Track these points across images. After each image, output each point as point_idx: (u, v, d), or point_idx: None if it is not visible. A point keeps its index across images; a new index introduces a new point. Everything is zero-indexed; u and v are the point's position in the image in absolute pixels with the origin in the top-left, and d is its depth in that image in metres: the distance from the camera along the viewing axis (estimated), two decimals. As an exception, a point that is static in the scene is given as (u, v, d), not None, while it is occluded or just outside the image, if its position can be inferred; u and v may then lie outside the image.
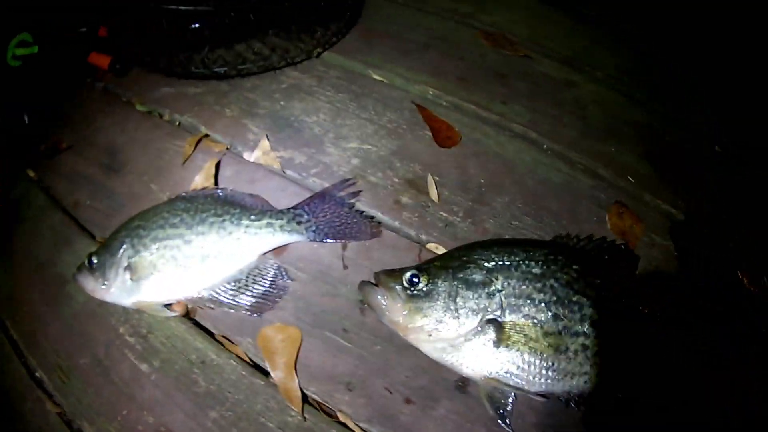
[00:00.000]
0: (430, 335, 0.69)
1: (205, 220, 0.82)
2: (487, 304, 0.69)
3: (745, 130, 1.02)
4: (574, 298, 0.70)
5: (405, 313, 0.70)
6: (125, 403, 0.79)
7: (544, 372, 0.70)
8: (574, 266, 0.72)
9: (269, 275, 0.81)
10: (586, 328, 0.69)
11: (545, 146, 0.93)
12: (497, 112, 0.95)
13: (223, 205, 0.84)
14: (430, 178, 0.86)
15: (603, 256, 0.78)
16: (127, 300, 0.83)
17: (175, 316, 0.83)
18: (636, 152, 0.95)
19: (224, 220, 0.82)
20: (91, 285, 0.83)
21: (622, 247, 0.81)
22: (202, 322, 0.82)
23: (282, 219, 0.81)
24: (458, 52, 1.03)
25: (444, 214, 0.84)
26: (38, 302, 0.94)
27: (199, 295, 0.81)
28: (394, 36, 1.06)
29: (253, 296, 0.80)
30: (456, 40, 1.06)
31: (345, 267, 0.80)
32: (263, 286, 0.81)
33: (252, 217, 0.82)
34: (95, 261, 0.84)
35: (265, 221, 0.81)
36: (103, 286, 0.83)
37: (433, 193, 0.85)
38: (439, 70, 0.99)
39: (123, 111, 1.06)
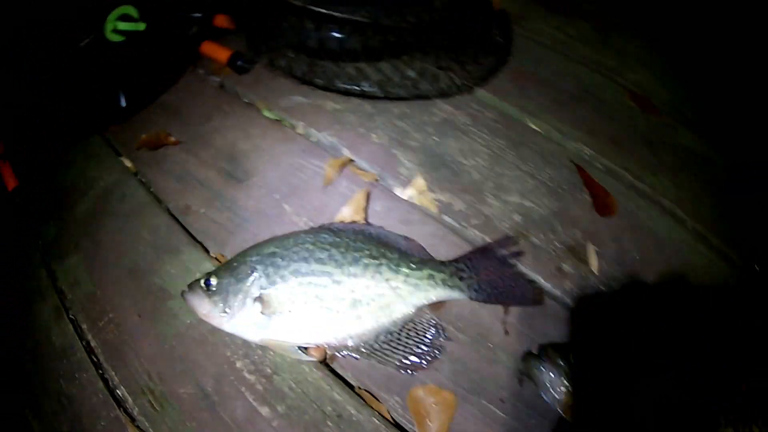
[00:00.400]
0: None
1: (358, 260, 0.75)
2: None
3: None
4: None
5: (207, 309, 0.73)
6: None
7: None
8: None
9: (426, 332, 0.74)
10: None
11: (690, 226, 0.91)
12: (649, 183, 0.91)
13: (378, 246, 0.77)
14: (590, 247, 0.82)
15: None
16: (253, 334, 0.75)
17: (310, 361, 0.76)
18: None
19: (381, 264, 0.75)
20: (207, 309, 0.74)
21: None
22: (342, 372, 0.75)
23: (444, 272, 0.75)
24: (609, 110, 0.99)
25: (602, 288, 0.79)
26: (130, 312, 0.85)
27: (344, 343, 0.74)
28: (545, 82, 1.01)
29: (406, 352, 0.73)
30: (605, 97, 1.02)
31: (506, 333, 0.75)
32: (418, 342, 0.74)
33: (412, 265, 0.75)
34: (215, 283, 0.75)
35: (426, 272, 0.75)
36: (224, 314, 0.74)
37: (594, 265, 0.81)
38: (592, 129, 0.95)
39: (246, 114, 0.97)
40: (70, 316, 0.90)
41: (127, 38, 1.01)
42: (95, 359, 0.85)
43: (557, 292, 0.79)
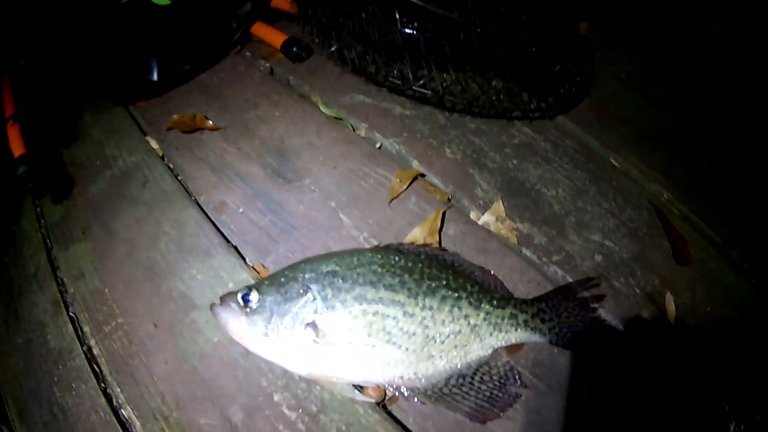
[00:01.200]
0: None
1: (435, 291, 0.65)
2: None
3: None
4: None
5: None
6: None
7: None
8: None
9: (500, 376, 0.65)
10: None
11: (754, 280, 0.87)
12: (720, 233, 0.87)
13: (456, 276, 0.68)
14: (669, 296, 0.76)
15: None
16: (300, 366, 0.63)
17: (365, 402, 0.65)
18: None
19: (460, 298, 0.65)
20: (243, 329, 0.63)
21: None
22: (401, 417, 0.65)
23: (527, 312, 0.66)
24: (681, 154, 0.95)
25: (676, 340, 0.74)
26: (144, 319, 0.72)
27: (411, 384, 0.64)
28: (625, 120, 0.93)
29: (479, 398, 0.64)
30: (680, 140, 0.97)
31: None
32: (491, 387, 0.64)
33: (494, 302, 0.66)
34: (254, 299, 0.63)
35: (509, 311, 0.66)
36: (265, 337, 0.63)
37: (671, 314, 0.75)
38: (669, 172, 0.88)
39: (299, 106, 0.86)
40: (70, 313, 0.77)
41: (173, 3, 0.88)
42: (97, 369, 0.72)
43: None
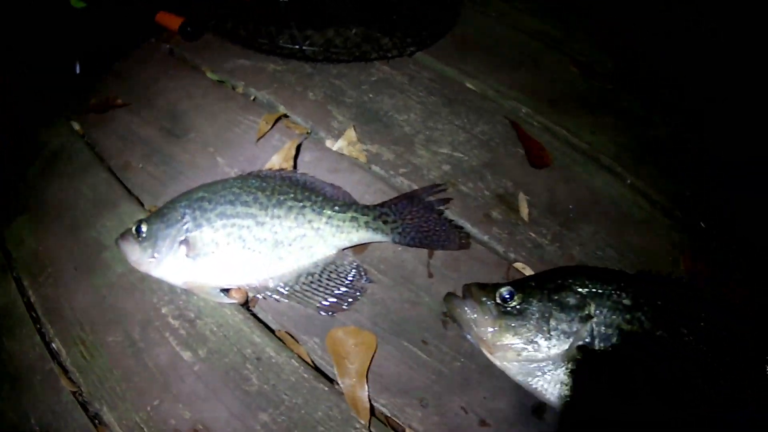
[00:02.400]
0: (519, 355, 0.65)
1: (282, 203, 0.77)
2: (579, 329, 0.66)
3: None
4: (658, 333, 0.69)
5: (494, 329, 0.66)
6: (158, 393, 0.72)
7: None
8: (659, 302, 0.71)
9: (347, 274, 0.75)
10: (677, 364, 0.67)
11: (629, 181, 0.92)
12: (586, 140, 0.93)
13: (303, 191, 0.79)
14: (521, 196, 0.83)
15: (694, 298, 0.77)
16: (177, 278, 0.76)
17: (231, 304, 0.77)
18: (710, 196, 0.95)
19: (304, 207, 0.77)
20: (137, 255, 0.76)
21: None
22: (262, 315, 0.76)
23: (368, 215, 0.76)
24: (549, 74, 1.02)
25: (533, 235, 0.80)
26: (67, 265, 0.87)
27: (265, 284, 0.75)
28: (487, 49, 1.04)
29: (326, 294, 0.74)
30: (547, 62, 1.05)
31: (430, 275, 0.76)
32: (340, 284, 0.75)
33: (336, 207, 0.76)
34: (145, 229, 0.76)
35: (349, 215, 0.76)
36: (152, 259, 0.76)
37: (524, 212, 0.82)
38: (530, 90, 0.97)
39: (190, 76, 1.01)
40: (14, 274, 0.92)
41: (87, 5, 1.06)
42: (34, 314, 0.86)
43: (485, 238, 0.80)
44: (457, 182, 0.83)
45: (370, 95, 0.93)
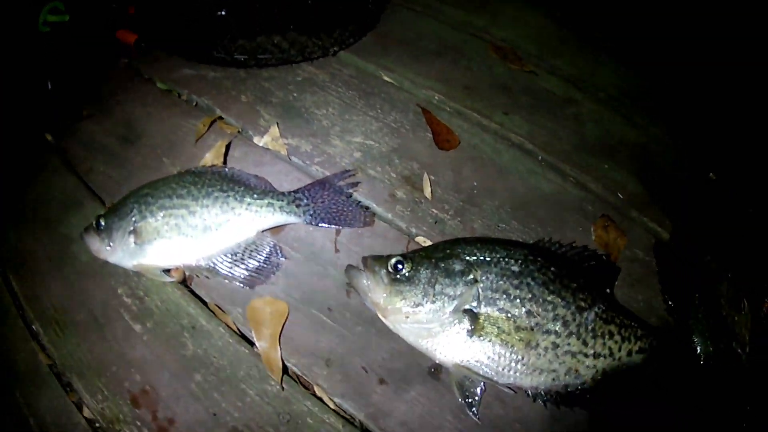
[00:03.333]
0: (408, 317, 0.76)
1: (210, 194, 0.90)
2: (464, 294, 0.76)
3: (741, 159, 1.11)
4: (549, 298, 0.77)
5: (386, 295, 0.77)
6: (115, 361, 0.86)
7: (513, 365, 0.76)
8: (552, 268, 0.80)
9: (265, 251, 0.89)
10: (558, 327, 0.76)
11: (540, 157, 1.01)
12: (497, 121, 1.03)
13: (229, 183, 0.92)
14: (426, 176, 0.94)
15: (584, 263, 0.87)
16: (129, 262, 0.91)
17: (172, 282, 0.91)
18: (628, 170, 1.04)
19: (228, 196, 0.90)
20: (97, 245, 0.91)
21: (604, 257, 0.89)
22: (197, 290, 0.90)
23: (282, 200, 0.90)
24: (467, 62, 1.12)
25: (435, 211, 0.92)
26: (42, 258, 1.02)
27: (197, 264, 0.89)
28: (409, 42, 1.15)
29: (247, 269, 0.88)
30: (467, 50, 1.15)
31: (336, 251, 0.88)
32: (258, 261, 0.89)
33: (254, 195, 0.90)
34: (103, 223, 0.91)
35: (266, 201, 0.89)
36: (108, 248, 0.90)
37: (427, 191, 0.93)
38: (446, 78, 1.08)
39: (144, 87, 1.15)
40: (9, 281, 1.10)
41: (52, 29, 1.22)
42: (18, 303, 1.03)
43: (389, 216, 0.92)
44: (366, 167, 0.95)
45: (295, 94, 1.05)
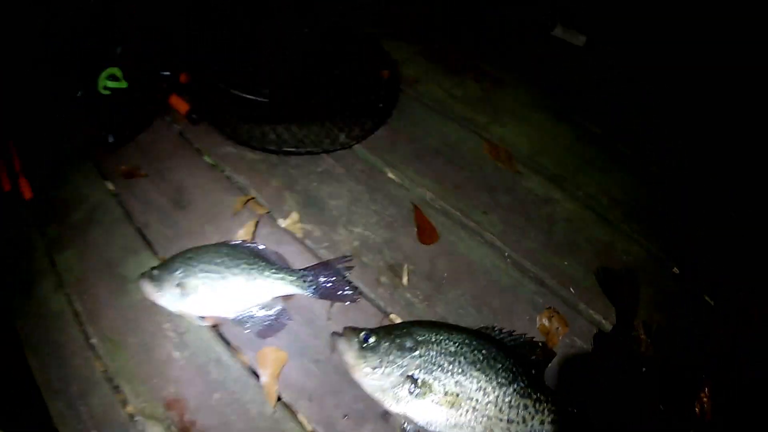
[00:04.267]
0: (367, 376, 1.59)
1: (239, 265, 1.82)
2: (409, 364, 1.60)
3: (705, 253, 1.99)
4: (474, 373, 1.65)
5: (355, 358, 1.60)
6: (157, 375, 1.73)
7: (441, 419, 1.58)
8: (483, 351, 1.70)
9: (275, 313, 1.80)
10: (479, 396, 1.58)
11: (507, 254, 1.90)
12: (476, 220, 1.93)
13: (255, 257, 1.88)
14: (406, 266, 1.86)
15: (519, 348, 1.80)
16: (173, 307, 1.80)
17: (206, 325, 1.91)
18: (586, 267, 1.90)
19: (252, 269, 1.82)
20: (149, 290, 1.81)
21: (540, 344, 1.80)
22: (224, 334, 1.84)
23: (293, 276, 1.80)
24: (462, 161, 2.05)
25: (408, 295, 1.80)
26: (102, 290, 1.91)
27: (226, 316, 1.84)
28: (414, 139, 2.07)
29: (262, 325, 1.83)
30: (463, 149, 2.08)
31: (328, 319, 1.77)
32: (270, 319, 1.79)
33: (273, 270, 1.81)
34: (156, 273, 1.81)
35: (280, 275, 1.80)
36: (159, 293, 1.79)
37: (405, 279, 1.83)
38: (441, 177, 1.99)
39: (193, 158, 2.14)
40: (65, 291, 2.06)
41: (112, 93, 2.30)
42: (80, 321, 2.03)
43: (371, 296, 1.81)
44: (361, 254, 1.89)
45: (315, 183, 2.00)
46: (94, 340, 1.89)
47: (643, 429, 1.72)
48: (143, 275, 1.86)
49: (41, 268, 2.06)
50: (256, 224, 1.96)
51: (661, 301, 1.94)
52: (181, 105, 2.27)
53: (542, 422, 1.64)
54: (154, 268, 1.86)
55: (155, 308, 1.86)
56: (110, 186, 2.23)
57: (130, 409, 1.74)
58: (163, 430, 1.69)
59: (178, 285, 1.82)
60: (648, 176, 2.27)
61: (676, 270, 2.01)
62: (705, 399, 1.75)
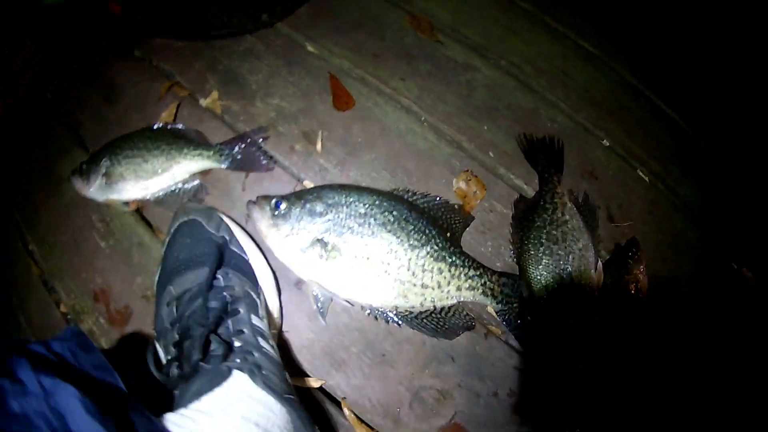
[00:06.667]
0: (281, 243, 1.58)
1: (159, 147, 1.80)
2: (318, 228, 1.60)
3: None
4: (385, 236, 1.60)
5: (267, 225, 1.60)
6: (85, 269, 1.76)
7: (351, 284, 1.56)
8: (394, 212, 1.63)
9: (194, 188, 1.81)
10: (390, 259, 1.53)
11: (423, 118, 1.83)
12: (393, 86, 1.86)
13: (174, 137, 1.88)
14: (320, 133, 1.81)
15: (435, 211, 1.72)
16: (101, 196, 1.81)
17: (129, 210, 1.90)
18: (506, 132, 1.81)
19: (171, 149, 1.82)
20: (79, 184, 1.81)
21: (456, 207, 1.73)
22: (146, 216, 1.87)
23: (210, 151, 1.77)
24: (382, 32, 1.95)
25: (322, 161, 1.74)
26: (39, 195, 1.96)
27: (147, 197, 1.83)
28: (335, 14, 1.97)
29: (180, 203, 1.84)
30: (385, 21, 1.96)
31: (243, 189, 1.77)
32: (188, 195, 1.84)
33: (191, 147, 1.80)
34: (84, 167, 1.83)
35: (198, 152, 1.78)
36: (87, 186, 1.81)
37: (319, 145, 1.78)
38: (360, 47, 1.90)
39: (125, 54, 2.21)
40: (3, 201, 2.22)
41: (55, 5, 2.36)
42: (20, 231, 2.14)
43: (286, 164, 1.77)
44: (277, 125, 1.84)
45: (236, 63, 1.95)
46: (32, 246, 1.95)
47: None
48: (73, 171, 1.89)
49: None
50: (178, 106, 1.94)
51: (589, 170, 1.87)
52: (116, 8, 2.28)
53: (459, 288, 1.62)
54: (82, 162, 1.89)
55: (85, 202, 1.89)
56: (48, 95, 2.29)
57: (63, 308, 1.80)
58: (92, 323, 1.74)
59: (104, 175, 1.85)
60: (580, 51, 2.18)
61: (606, 142, 1.94)
62: (640, 275, 1.68)
